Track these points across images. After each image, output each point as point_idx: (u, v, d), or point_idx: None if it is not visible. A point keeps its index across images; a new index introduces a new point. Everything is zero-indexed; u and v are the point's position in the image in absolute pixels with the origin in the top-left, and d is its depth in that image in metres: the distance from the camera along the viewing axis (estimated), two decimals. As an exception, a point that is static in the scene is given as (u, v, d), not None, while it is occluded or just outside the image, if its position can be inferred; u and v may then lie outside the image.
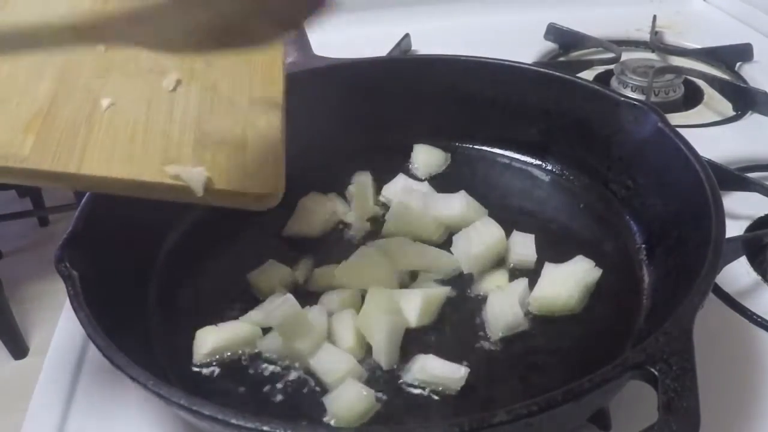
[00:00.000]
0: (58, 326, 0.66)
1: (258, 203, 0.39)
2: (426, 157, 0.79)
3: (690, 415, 0.38)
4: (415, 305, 0.58)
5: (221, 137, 0.38)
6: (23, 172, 0.35)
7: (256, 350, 0.58)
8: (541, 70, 0.77)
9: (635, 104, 0.67)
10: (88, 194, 0.60)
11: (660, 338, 0.43)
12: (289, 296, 0.59)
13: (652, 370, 0.41)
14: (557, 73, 0.75)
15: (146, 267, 0.66)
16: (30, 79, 0.38)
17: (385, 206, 0.73)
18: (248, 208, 0.39)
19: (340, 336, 0.57)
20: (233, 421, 0.40)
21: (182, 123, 0.38)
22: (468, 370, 0.53)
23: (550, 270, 0.61)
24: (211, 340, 0.57)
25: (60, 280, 0.52)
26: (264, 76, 0.41)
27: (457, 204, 0.68)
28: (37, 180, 0.37)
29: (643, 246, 0.65)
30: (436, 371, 0.53)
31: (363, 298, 0.59)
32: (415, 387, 0.54)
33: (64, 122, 0.37)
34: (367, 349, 0.57)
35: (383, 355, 0.55)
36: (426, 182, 0.75)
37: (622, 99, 0.69)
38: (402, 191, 0.72)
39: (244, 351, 0.58)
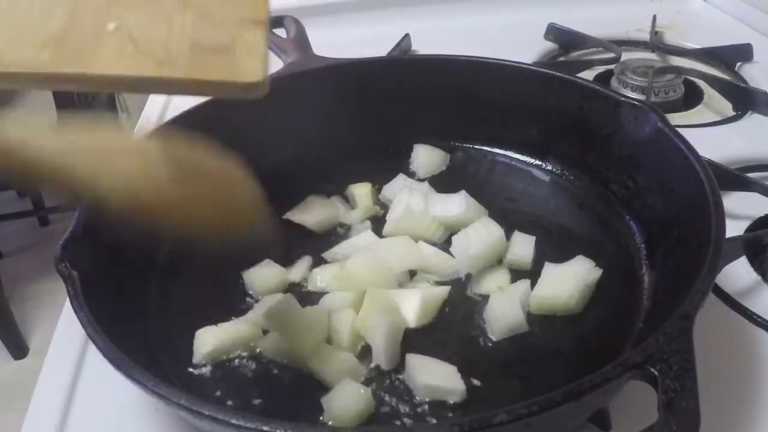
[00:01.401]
0: (58, 326, 0.66)
1: (246, 92, 0.46)
2: (426, 157, 0.79)
3: (690, 415, 0.38)
4: (414, 305, 0.58)
5: (212, 46, 0.45)
6: (41, 77, 0.41)
7: (257, 350, 0.58)
8: (541, 70, 0.77)
9: (635, 104, 0.67)
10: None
11: (660, 338, 0.43)
12: (289, 296, 0.59)
13: (652, 370, 0.41)
14: (557, 73, 0.75)
15: (146, 267, 0.66)
16: (43, 11, 0.44)
17: (385, 206, 0.73)
18: (238, 97, 0.45)
19: (339, 336, 0.57)
20: (233, 421, 0.40)
21: (179, 36, 0.45)
22: (466, 393, 0.53)
23: (550, 270, 0.61)
24: (211, 341, 0.57)
25: (60, 280, 0.52)
26: (251, 1, 0.49)
27: (457, 204, 0.68)
28: (51, 83, 0.42)
29: (643, 246, 0.65)
30: (438, 384, 0.53)
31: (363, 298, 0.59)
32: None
33: (76, 40, 0.43)
34: (368, 349, 0.57)
35: (383, 356, 0.55)
36: (426, 182, 0.75)
37: (622, 99, 0.68)
38: (402, 191, 0.72)
39: (244, 351, 0.58)
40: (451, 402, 0.52)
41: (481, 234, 0.64)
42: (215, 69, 0.45)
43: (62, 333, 0.65)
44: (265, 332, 0.58)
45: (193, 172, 0.53)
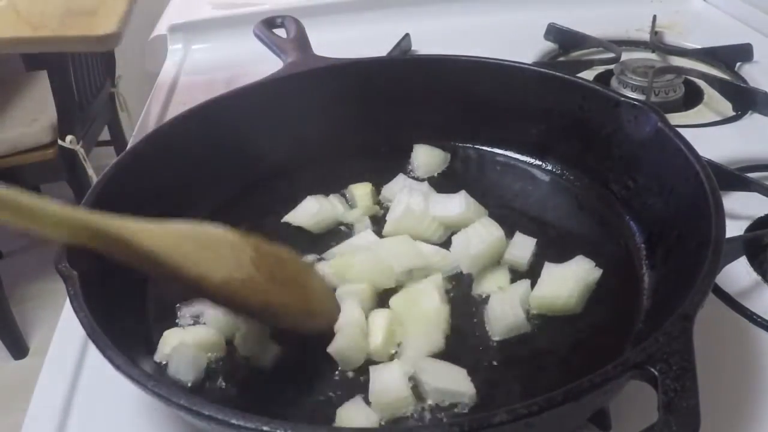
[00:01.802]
0: (58, 326, 0.66)
1: (100, 44, 0.50)
2: (426, 157, 0.79)
3: (690, 415, 0.38)
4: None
5: (80, 11, 0.50)
6: None
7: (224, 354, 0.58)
8: (541, 70, 0.77)
9: (635, 104, 0.67)
10: (88, 195, 0.61)
11: (660, 338, 0.42)
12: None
13: (652, 370, 0.41)
14: (557, 73, 0.75)
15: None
16: None
17: (385, 206, 0.73)
18: (95, 49, 0.49)
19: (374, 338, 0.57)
20: (233, 421, 0.40)
21: (54, 7, 0.50)
22: (477, 398, 0.52)
23: (550, 270, 0.61)
24: (172, 342, 0.57)
25: (60, 280, 0.52)
26: None
27: (457, 204, 0.68)
28: None
29: (643, 246, 0.65)
30: (448, 387, 0.53)
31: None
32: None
33: None
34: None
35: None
36: (426, 182, 0.75)
37: (622, 99, 0.68)
38: (402, 191, 0.72)
39: (217, 355, 0.58)
40: (462, 404, 0.52)
41: (481, 234, 0.64)
42: (78, 27, 0.49)
43: (62, 333, 0.65)
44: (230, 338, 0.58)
45: (274, 263, 0.57)
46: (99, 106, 2.22)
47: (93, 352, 0.56)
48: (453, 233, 0.67)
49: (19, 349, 2.18)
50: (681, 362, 0.41)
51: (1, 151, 1.96)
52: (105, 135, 2.39)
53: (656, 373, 0.41)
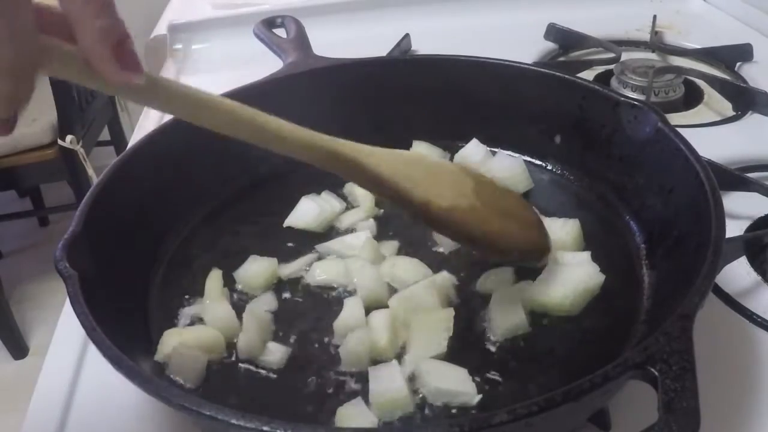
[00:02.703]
0: (58, 326, 0.66)
1: None
2: (423, 153, 0.78)
3: (690, 415, 0.38)
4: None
5: None
6: None
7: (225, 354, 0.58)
8: (541, 70, 0.77)
9: (635, 104, 0.67)
10: (88, 194, 0.61)
11: (660, 338, 0.42)
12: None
13: (652, 370, 0.41)
14: (557, 73, 0.75)
15: (146, 267, 0.66)
16: None
17: (382, 204, 0.73)
18: None
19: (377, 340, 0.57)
20: (233, 421, 0.40)
21: None
22: (480, 396, 0.52)
23: (553, 269, 0.61)
24: (172, 342, 0.57)
25: (60, 280, 0.52)
26: None
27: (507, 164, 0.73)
28: None
29: (643, 246, 0.65)
30: (450, 388, 0.53)
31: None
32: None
33: None
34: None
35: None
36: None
37: (622, 99, 0.68)
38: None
39: (217, 355, 0.58)
40: (463, 405, 0.52)
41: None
42: None
43: (62, 333, 0.65)
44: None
45: (494, 194, 0.60)
46: (99, 106, 2.22)
47: (93, 352, 0.56)
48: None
49: (19, 349, 2.18)
50: (681, 362, 0.41)
51: (1, 151, 1.96)
52: (105, 135, 2.39)
53: (656, 373, 0.41)
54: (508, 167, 0.74)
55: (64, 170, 2.03)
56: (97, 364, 0.58)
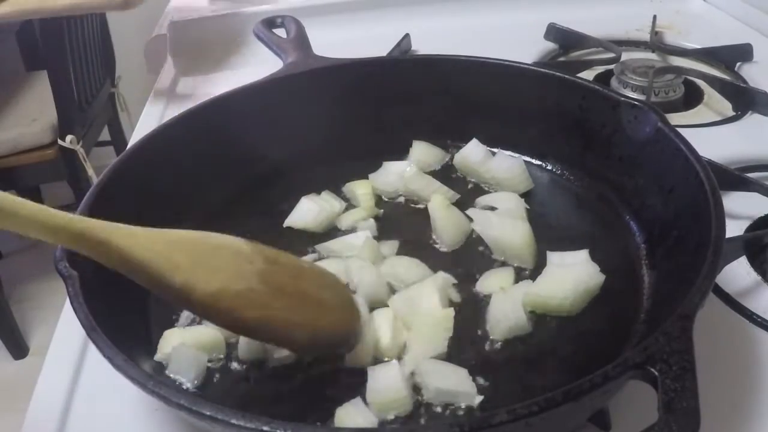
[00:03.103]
0: (58, 326, 0.66)
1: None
2: (423, 154, 0.78)
3: (690, 415, 0.38)
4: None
5: None
6: None
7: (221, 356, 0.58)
8: (541, 70, 0.77)
9: (635, 104, 0.67)
10: (88, 195, 0.61)
11: (660, 338, 0.42)
12: None
13: (652, 370, 0.41)
14: (557, 73, 0.75)
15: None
16: None
17: (381, 203, 0.73)
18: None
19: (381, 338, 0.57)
20: (233, 421, 0.40)
21: None
22: (482, 398, 0.52)
23: (552, 269, 0.61)
24: (173, 342, 0.57)
25: (60, 280, 0.52)
26: None
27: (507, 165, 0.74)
28: None
29: (643, 246, 0.65)
30: (450, 388, 0.52)
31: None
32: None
33: None
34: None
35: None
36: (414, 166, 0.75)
37: (622, 99, 0.68)
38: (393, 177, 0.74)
39: (217, 355, 0.58)
40: (464, 405, 0.52)
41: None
42: None
43: (62, 333, 0.65)
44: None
45: (289, 276, 0.54)
46: (99, 106, 2.22)
47: (93, 352, 0.56)
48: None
49: (19, 349, 2.18)
50: (681, 362, 0.41)
51: (1, 151, 1.96)
52: (105, 135, 2.39)
53: (656, 373, 0.41)
54: (508, 167, 0.74)
55: (64, 170, 2.03)
56: (97, 364, 0.59)
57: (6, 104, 2.11)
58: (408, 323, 0.58)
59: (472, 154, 0.76)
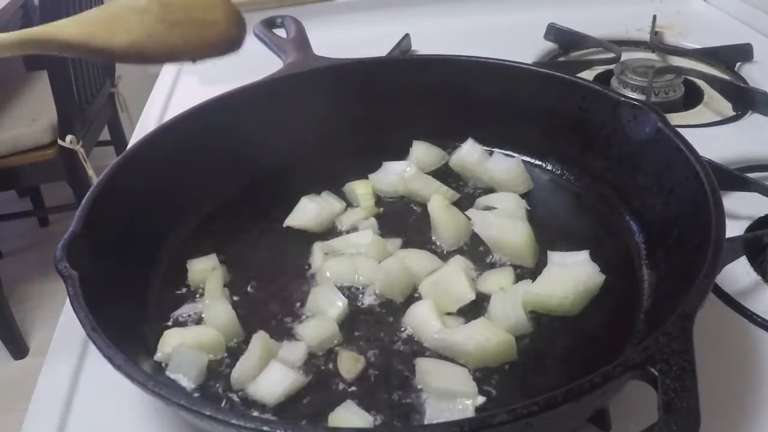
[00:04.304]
0: (58, 326, 0.66)
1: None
2: (423, 154, 0.79)
3: (690, 415, 0.38)
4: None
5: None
6: None
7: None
8: (541, 70, 0.77)
9: (635, 104, 0.67)
10: (88, 194, 0.61)
11: (660, 338, 0.42)
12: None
13: (652, 370, 0.41)
14: (557, 73, 0.75)
15: (146, 267, 0.66)
16: None
17: (381, 203, 0.73)
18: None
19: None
20: (233, 421, 0.40)
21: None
22: (483, 398, 0.52)
23: (552, 269, 0.61)
24: (173, 341, 0.57)
25: (60, 280, 0.52)
26: None
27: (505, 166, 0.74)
28: None
29: (643, 246, 0.65)
30: (450, 387, 0.52)
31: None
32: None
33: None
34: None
35: None
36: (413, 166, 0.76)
37: (622, 99, 0.68)
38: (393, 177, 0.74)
39: (217, 355, 0.58)
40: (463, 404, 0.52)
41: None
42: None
43: (62, 333, 0.65)
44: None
45: (177, 10, 0.67)
46: (99, 106, 2.22)
47: (93, 352, 0.56)
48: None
49: (19, 349, 2.18)
50: (681, 362, 0.41)
51: (1, 151, 1.96)
52: (105, 135, 2.39)
53: (656, 373, 0.41)
54: (505, 168, 0.74)
55: (64, 170, 2.03)
56: (97, 364, 0.59)
57: (6, 104, 2.11)
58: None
59: (469, 154, 0.76)
